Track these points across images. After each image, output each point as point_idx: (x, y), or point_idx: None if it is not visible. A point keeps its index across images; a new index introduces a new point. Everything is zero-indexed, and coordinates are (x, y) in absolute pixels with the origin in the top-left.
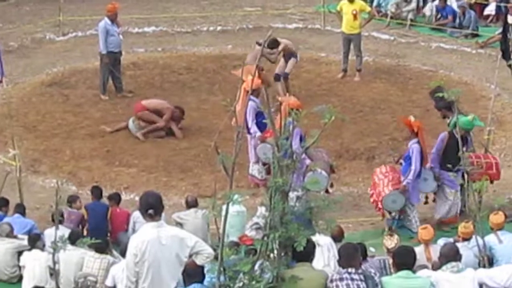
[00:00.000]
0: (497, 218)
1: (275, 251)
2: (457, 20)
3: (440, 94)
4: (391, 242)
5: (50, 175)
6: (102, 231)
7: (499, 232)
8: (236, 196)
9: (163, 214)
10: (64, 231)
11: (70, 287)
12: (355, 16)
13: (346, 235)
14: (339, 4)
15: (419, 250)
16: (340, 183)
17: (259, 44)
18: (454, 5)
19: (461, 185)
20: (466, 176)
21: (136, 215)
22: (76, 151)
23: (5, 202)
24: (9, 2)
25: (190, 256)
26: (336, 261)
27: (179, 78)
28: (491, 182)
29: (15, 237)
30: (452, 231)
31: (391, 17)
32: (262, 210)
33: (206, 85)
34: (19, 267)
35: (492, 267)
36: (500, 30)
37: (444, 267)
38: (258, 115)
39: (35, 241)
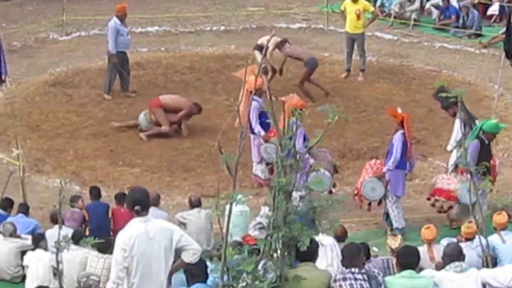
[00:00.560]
0: (500, 218)
1: (279, 251)
2: (461, 20)
3: (443, 94)
4: (395, 242)
5: (54, 174)
6: (104, 230)
7: (502, 232)
8: (239, 196)
9: (166, 214)
10: (67, 231)
11: (74, 287)
12: (358, 16)
13: (350, 235)
14: (342, 4)
15: (422, 250)
16: (344, 183)
17: (258, 48)
18: (455, 4)
19: None
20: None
21: None
22: (80, 150)
23: (10, 203)
24: (13, 1)
25: (177, 252)
26: (339, 261)
27: (183, 78)
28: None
29: (19, 236)
30: (455, 231)
31: (395, 17)
32: (265, 210)
33: (209, 85)
34: (23, 267)
35: (496, 267)
36: (504, 29)
37: (447, 267)
38: (262, 115)
39: (38, 240)
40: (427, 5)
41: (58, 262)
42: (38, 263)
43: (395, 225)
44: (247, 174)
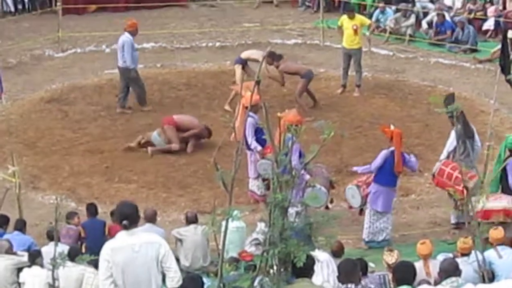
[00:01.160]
0: (496, 233)
1: (275, 267)
2: (456, 35)
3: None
4: (391, 257)
5: (50, 191)
6: (101, 247)
7: (499, 247)
8: (235, 212)
9: (162, 230)
10: (63, 247)
11: None
12: (355, 31)
13: (346, 251)
14: (340, 19)
15: (418, 265)
16: (340, 198)
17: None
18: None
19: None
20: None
21: None
22: (75, 167)
23: (6, 220)
24: (8, 18)
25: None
26: (335, 276)
27: (178, 94)
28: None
29: (15, 253)
30: (451, 246)
31: (390, 32)
32: (261, 226)
33: (205, 101)
34: (19, 284)
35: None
36: (499, 45)
37: (444, 282)
38: (257, 131)
39: (35, 257)
40: (424, 24)
41: (54, 279)
42: (34, 280)
43: (363, 235)
44: (243, 190)
